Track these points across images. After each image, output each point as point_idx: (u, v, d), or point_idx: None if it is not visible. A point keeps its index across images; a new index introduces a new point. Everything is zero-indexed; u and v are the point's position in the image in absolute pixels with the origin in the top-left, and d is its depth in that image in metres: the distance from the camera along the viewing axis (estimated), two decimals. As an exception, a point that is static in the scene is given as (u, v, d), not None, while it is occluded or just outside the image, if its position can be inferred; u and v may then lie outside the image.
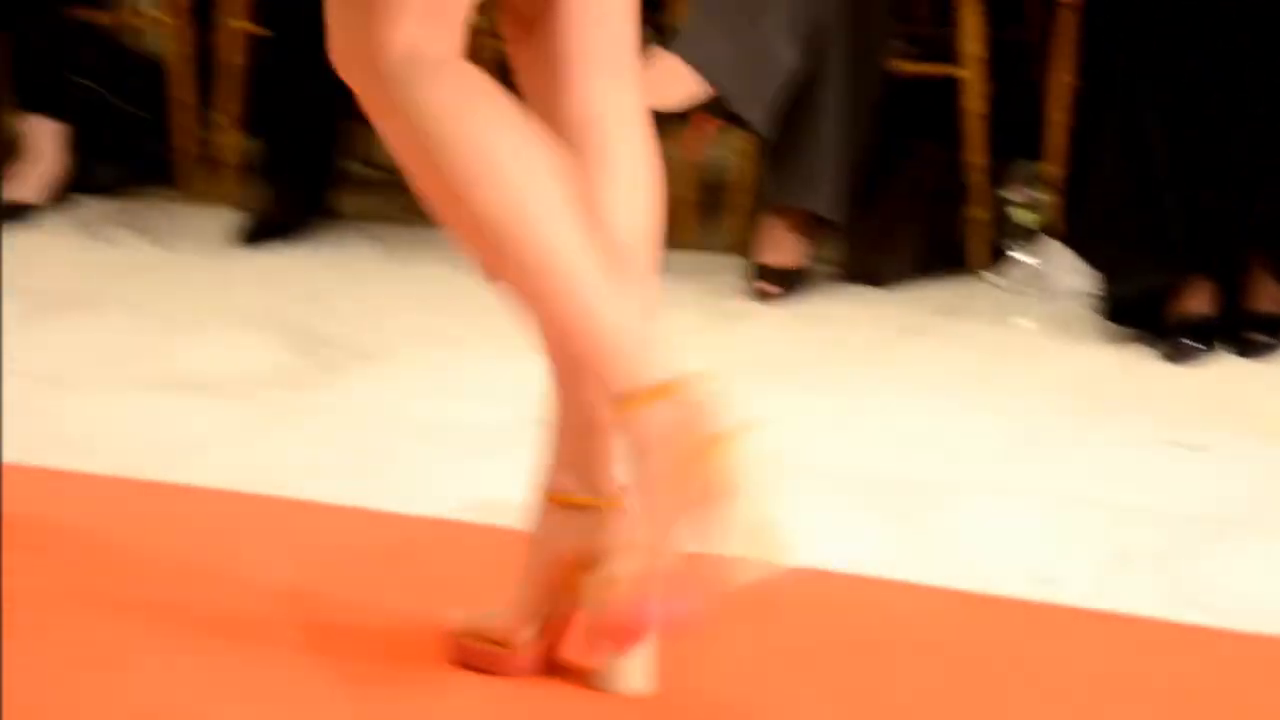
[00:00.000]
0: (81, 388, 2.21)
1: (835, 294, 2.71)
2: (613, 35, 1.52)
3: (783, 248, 2.64)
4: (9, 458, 2.06)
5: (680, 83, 2.55)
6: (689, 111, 2.58)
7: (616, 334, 1.40)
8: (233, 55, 3.28)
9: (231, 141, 3.21)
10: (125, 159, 3.42)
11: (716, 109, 2.57)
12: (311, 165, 3.19)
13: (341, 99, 3.31)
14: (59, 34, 3.33)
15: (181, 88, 3.32)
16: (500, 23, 1.59)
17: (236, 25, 3.27)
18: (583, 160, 1.50)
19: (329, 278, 2.95)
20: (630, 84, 1.53)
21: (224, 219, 3.04)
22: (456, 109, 1.45)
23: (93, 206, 3.26)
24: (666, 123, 2.50)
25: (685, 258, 2.74)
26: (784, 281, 2.60)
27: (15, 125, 3.36)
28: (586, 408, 1.50)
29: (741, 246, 2.81)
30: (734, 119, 2.59)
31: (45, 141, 3.23)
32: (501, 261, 1.45)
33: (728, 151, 2.98)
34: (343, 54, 1.51)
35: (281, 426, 2.23)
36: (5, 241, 3.00)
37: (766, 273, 2.58)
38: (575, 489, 1.50)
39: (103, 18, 3.55)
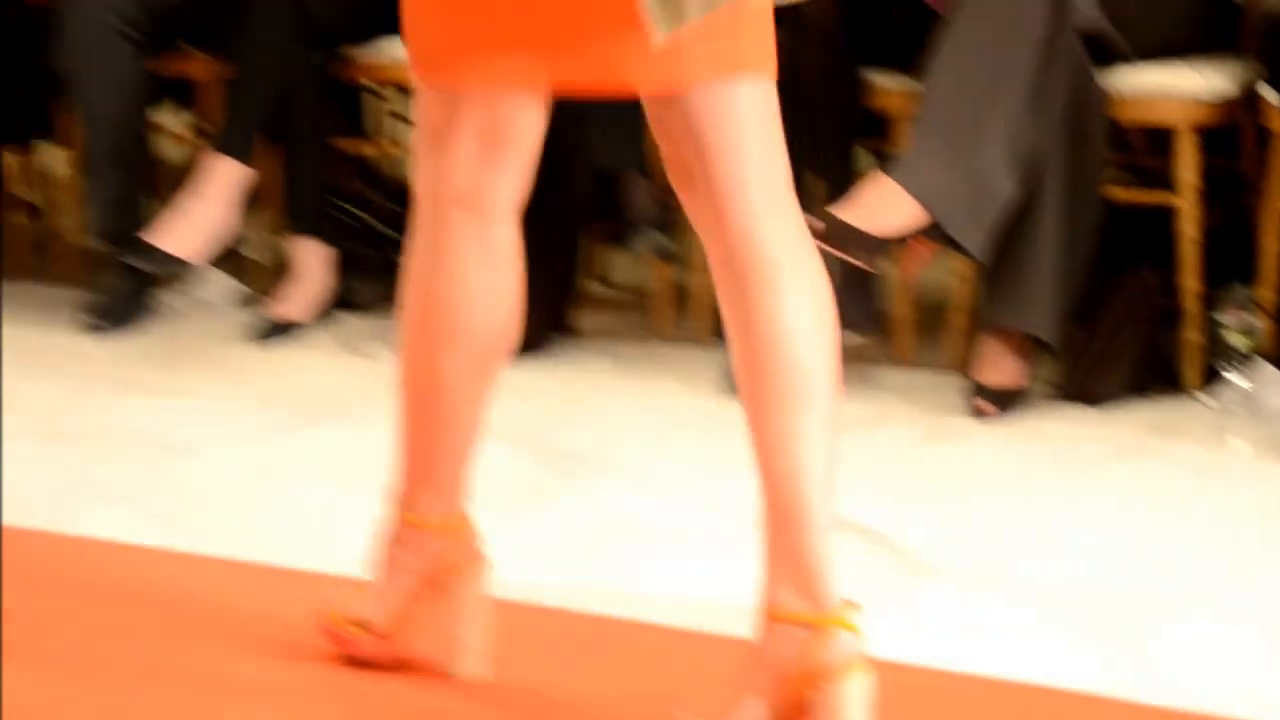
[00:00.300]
0: (348, 492, 2.29)
1: (1051, 412, 2.73)
2: (761, 172, 1.64)
3: (1000, 367, 2.68)
4: (290, 563, 2.23)
5: (900, 208, 2.62)
6: (908, 235, 2.65)
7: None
8: None
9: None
10: (382, 279, 3.41)
11: (935, 233, 2.62)
12: (555, 285, 3.23)
13: (583, 219, 3.32)
14: (326, 163, 3.46)
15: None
16: (666, 173, 1.76)
17: None
18: (748, 288, 1.62)
19: (568, 392, 3.02)
20: (786, 213, 1.64)
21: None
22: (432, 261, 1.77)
23: (353, 323, 3.36)
24: (886, 245, 2.66)
25: (904, 375, 2.86)
26: (1001, 400, 2.64)
27: (285, 247, 3.50)
28: (800, 526, 1.58)
29: (960, 365, 2.85)
30: (952, 243, 2.65)
31: (312, 262, 3.33)
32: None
33: (947, 272, 3.02)
34: (419, 177, 1.77)
35: (521, 534, 2.29)
36: (274, 356, 3.23)
37: (984, 391, 2.62)
38: (794, 604, 1.56)
39: (364, 147, 3.73)
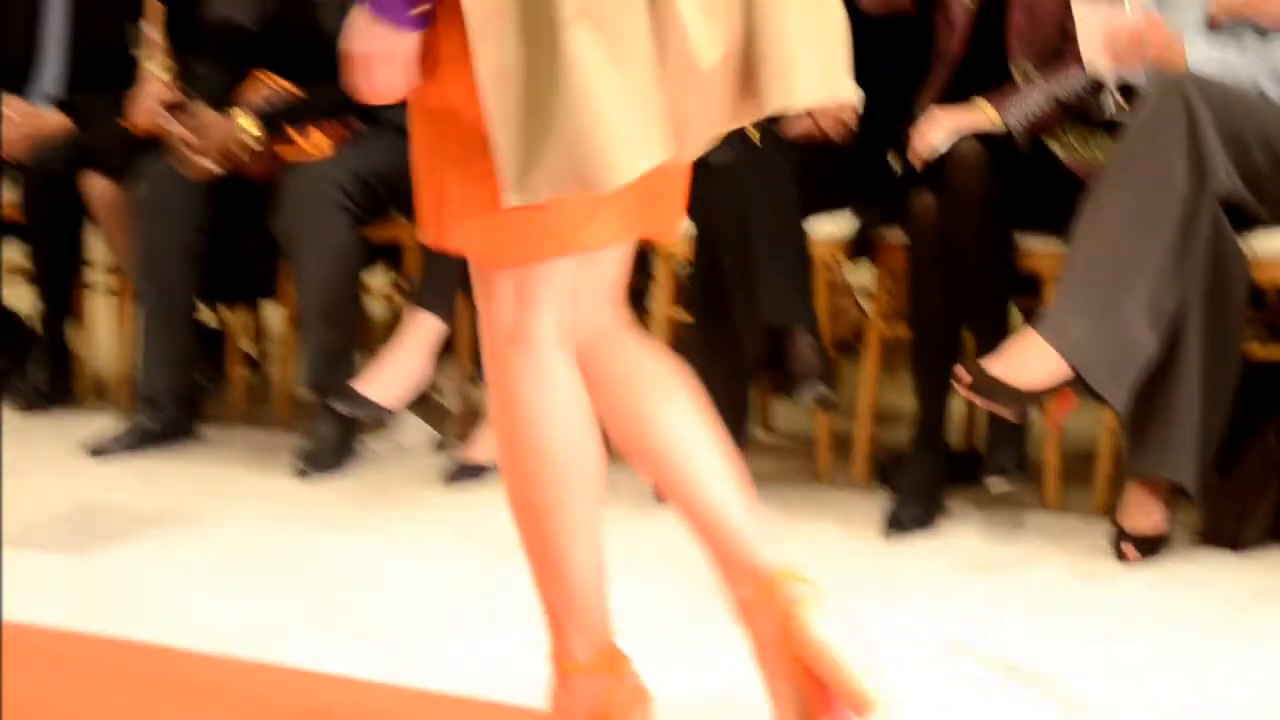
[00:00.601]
0: (536, 628, 2.32)
1: (1194, 557, 2.75)
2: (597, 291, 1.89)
3: (1144, 513, 2.74)
4: (483, 696, 2.26)
5: (1046, 362, 2.66)
6: (1054, 388, 2.68)
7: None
8: (663, 338, 3.48)
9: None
10: None
11: (1079, 386, 2.67)
12: (726, 432, 3.19)
13: (753, 371, 3.30)
14: None
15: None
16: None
17: (667, 312, 3.52)
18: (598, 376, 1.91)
19: None
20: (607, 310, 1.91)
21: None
22: (530, 396, 1.87)
23: None
24: (1033, 397, 2.70)
25: (1052, 519, 2.93)
26: (1145, 546, 2.69)
27: (475, 395, 3.58)
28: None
29: (1106, 510, 2.89)
30: (1095, 396, 2.69)
31: None
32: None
33: (1093, 422, 3.06)
34: (480, 322, 1.89)
35: (688, 666, 2.32)
36: (464, 497, 3.30)
37: (1129, 536, 2.67)
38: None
39: None
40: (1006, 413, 2.80)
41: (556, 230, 1.78)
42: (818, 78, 1.83)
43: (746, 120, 1.91)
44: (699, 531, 1.90)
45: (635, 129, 1.68)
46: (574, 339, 1.91)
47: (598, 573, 1.90)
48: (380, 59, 1.75)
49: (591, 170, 1.66)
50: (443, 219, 1.83)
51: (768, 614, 1.85)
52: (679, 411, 1.92)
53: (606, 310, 1.92)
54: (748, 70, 1.77)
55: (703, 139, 1.84)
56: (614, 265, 1.92)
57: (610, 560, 1.98)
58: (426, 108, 1.78)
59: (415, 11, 1.70)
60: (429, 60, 1.72)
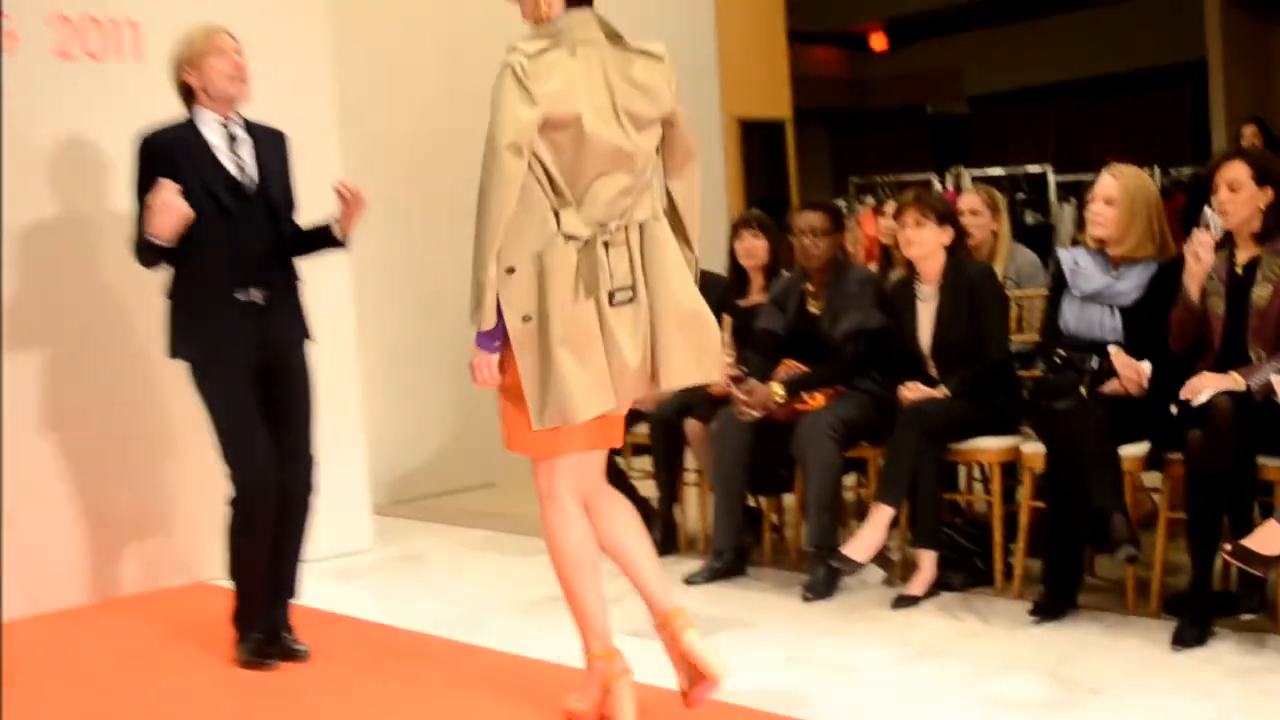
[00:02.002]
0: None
1: None
2: (591, 470, 3.02)
3: None
4: None
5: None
6: None
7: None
8: (1026, 520, 4.03)
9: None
10: (966, 572, 4.29)
11: None
12: (1069, 577, 3.87)
13: (1083, 538, 3.87)
14: (938, 505, 4.14)
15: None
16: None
17: (1028, 503, 4.03)
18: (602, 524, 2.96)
19: (1078, 641, 3.58)
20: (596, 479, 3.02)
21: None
22: (558, 527, 2.96)
23: (948, 598, 4.13)
24: (1275, 562, 3.28)
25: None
26: None
27: (911, 552, 4.25)
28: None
29: None
30: None
31: (926, 561, 4.16)
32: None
33: None
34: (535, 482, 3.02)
35: None
36: (903, 615, 3.92)
37: None
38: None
39: (956, 496, 4.53)
40: (1255, 571, 3.36)
41: (559, 441, 2.89)
42: (694, 370, 2.91)
43: (655, 393, 3.01)
44: (637, 588, 3.00)
45: (592, 396, 2.79)
46: (580, 495, 3.00)
47: (601, 607, 3.00)
48: (482, 364, 2.84)
49: (571, 413, 2.76)
50: (511, 438, 2.94)
51: (667, 629, 2.97)
52: (630, 531, 3.05)
53: (596, 479, 3.06)
54: (653, 367, 2.88)
55: (629, 402, 2.92)
56: (594, 458, 3.00)
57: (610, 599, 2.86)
58: (504, 386, 2.87)
59: (496, 344, 2.80)
60: (503, 365, 2.84)
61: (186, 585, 4.64)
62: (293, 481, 3.78)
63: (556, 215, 2.78)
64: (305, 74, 5.11)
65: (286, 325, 3.81)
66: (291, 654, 3.82)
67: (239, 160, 3.79)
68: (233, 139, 3.80)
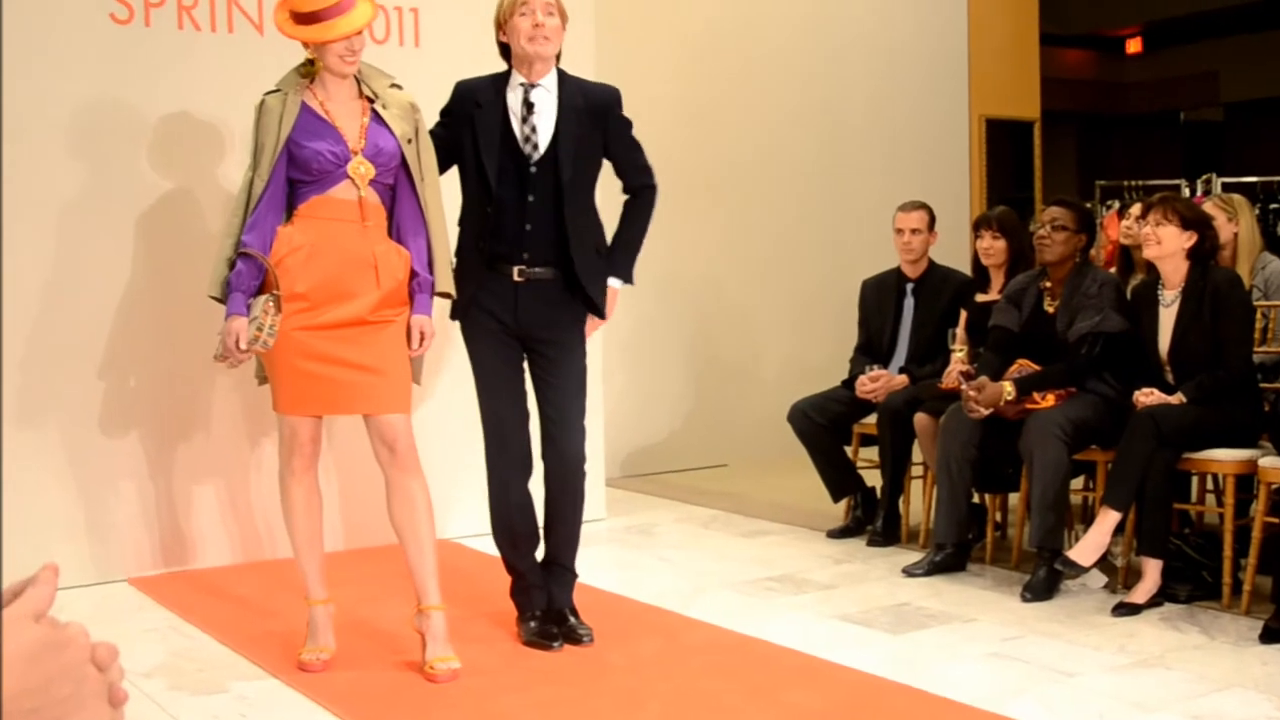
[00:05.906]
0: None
1: None
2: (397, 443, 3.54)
3: None
4: None
5: None
6: None
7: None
8: (1258, 534, 4.04)
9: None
10: (1193, 582, 4.25)
11: None
12: None
13: None
14: (1167, 514, 4.17)
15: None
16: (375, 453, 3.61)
17: (1262, 519, 4.04)
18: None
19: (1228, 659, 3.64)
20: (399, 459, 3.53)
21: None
22: (289, 495, 3.60)
23: (1170, 609, 4.15)
24: None
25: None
26: None
27: (1137, 560, 4.26)
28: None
29: None
30: None
31: (1151, 569, 4.12)
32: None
33: None
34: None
35: None
36: (1120, 622, 3.96)
37: None
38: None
39: (1186, 506, 4.50)
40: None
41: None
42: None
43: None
44: (412, 574, 3.54)
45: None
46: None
47: (317, 554, 3.62)
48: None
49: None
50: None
51: (421, 616, 3.56)
52: (420, 513, 3.51)
53: (389, 455, 3.52)
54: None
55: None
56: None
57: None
58: None
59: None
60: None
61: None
62: (565, 451, 3.75)
63: None
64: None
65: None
66: (575, 638, 3.84)
67: (528, 129, 3.67)
68: (529, 106, 3.69)
